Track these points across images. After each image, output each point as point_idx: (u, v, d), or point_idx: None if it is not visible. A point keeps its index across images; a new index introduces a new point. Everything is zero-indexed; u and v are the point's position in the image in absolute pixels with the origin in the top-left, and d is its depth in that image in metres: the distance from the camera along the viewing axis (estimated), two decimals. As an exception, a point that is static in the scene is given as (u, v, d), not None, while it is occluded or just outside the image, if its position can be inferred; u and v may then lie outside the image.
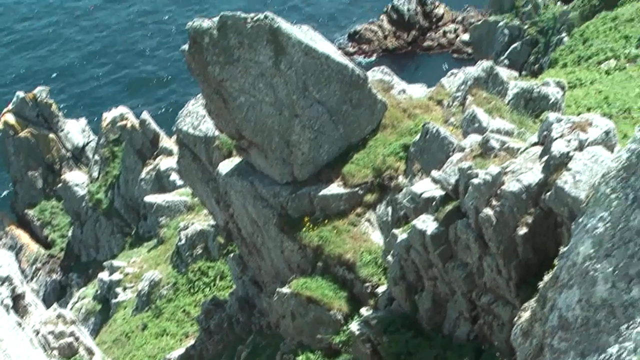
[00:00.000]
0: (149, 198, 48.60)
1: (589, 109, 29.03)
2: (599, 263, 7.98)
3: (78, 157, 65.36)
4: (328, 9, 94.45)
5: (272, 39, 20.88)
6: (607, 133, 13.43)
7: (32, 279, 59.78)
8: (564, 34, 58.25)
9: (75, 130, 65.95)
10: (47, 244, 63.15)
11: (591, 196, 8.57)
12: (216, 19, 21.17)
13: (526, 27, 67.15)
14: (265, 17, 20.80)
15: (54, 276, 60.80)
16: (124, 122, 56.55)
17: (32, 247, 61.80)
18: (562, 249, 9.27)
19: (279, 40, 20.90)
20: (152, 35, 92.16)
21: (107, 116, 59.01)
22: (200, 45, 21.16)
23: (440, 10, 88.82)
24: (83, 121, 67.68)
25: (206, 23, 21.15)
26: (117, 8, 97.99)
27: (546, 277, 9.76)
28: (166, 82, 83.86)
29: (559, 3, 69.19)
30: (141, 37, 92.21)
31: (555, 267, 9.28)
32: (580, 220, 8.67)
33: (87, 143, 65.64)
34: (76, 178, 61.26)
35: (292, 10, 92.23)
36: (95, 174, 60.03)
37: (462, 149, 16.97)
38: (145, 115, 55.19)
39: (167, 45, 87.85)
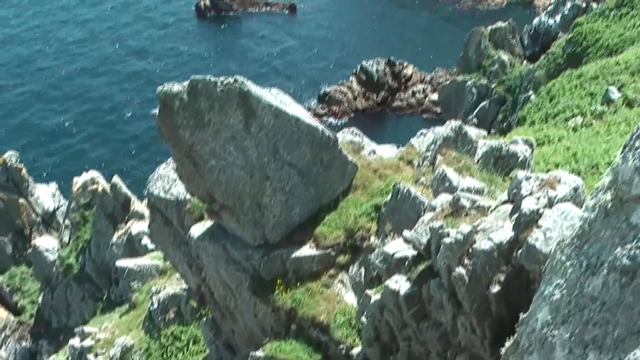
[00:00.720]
0: (121, 262, 48.18)
1: (557, 166, 29.32)
2: (556, 329, 8.08)
3: (48, 222, 64.86)
4: (298, 71, 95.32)
5: (242, 102, 20.99)
6: (575, 190, 13.59)
7: (1, 346, 58.76)
8: (530, 92, 59.17)
9: (45, 195, 65.59)
10: (16, 311, 62.22)
11: (548, 264, 8.69)
12: (186, 82, 21.26)
13: (494, 86, 68.22)
14: (235, 80, 20.93)
15: (24, 343, 59.80)
16: (94, 186, 56.33)
17: (1, 314, 60.82)
18: (522, 316, 9.36)
19: (249, 104, 21.02)
20: (130, 100, 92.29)
21: (78, 180, 58.77)
22: (171, 109, 21.21)
23: (409, 70, 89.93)
24: (53, 186, 67.36)
25: (176, 87, 21.23)
26: (95, 72, 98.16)
27: (507, 343, 9.82)
28: (142, 146, 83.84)
29: (525, 62, 70.47)
30: (118, 102, 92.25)
31: (516, 333, 9.36)
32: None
33: (58, 208, 65.24)
34: (46, 243, 60.68)
35: (265, 74, 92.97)
36: (65, 239, 59.52)
37: (433, 209, 17.04)
38: (116, 179, 55.06)
39: (143, 110, 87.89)
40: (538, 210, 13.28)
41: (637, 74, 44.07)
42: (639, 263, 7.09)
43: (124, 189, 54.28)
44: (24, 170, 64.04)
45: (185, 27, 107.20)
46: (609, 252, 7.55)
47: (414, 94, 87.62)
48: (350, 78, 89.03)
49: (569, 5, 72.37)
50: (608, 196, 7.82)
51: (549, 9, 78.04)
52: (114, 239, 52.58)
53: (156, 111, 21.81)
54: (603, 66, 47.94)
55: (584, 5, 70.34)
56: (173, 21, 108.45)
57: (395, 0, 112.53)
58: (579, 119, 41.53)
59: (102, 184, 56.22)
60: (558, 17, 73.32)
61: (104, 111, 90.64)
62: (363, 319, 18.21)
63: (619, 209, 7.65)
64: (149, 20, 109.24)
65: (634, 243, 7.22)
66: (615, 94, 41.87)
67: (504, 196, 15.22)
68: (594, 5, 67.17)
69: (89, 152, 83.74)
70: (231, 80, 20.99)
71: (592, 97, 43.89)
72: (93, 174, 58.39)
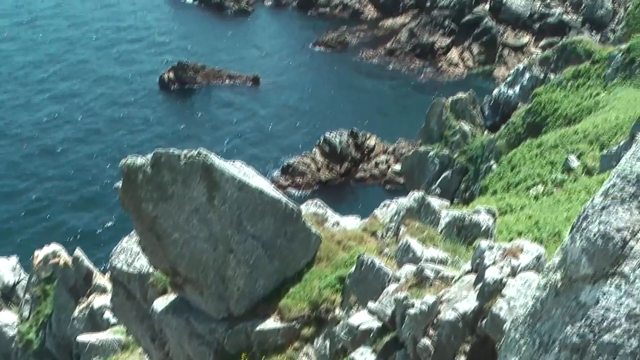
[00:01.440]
0: (82, 337, 47.33)
1: (520, 234, 29.57)
2: (512, 406, 8.16)
3: (8, 296, 63.74)
4: (261, 143, 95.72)
5: (205, 175, 20.99)
6: (538, 258, 13.73)
7: None
8: (492, 162, 59.87)
9: (5, 269, 64.59)
10: (-26, 390, 60.81)
11: (503, 341, 8.82)
12: (150, 155, 21.26)
13: (456, 155, 68.94)
14: (199, 153, 20.97)
15: (-18, 423, 58.32)
16: (56, 260, 55.58)
17: (-41, 393, 59.41)
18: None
19: (212, 176, 21.02)
20: (97, 172, 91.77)
21: (39, 254, 58.01)
22: (134, 182, 21.15)
23: (372, 141, 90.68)
24: (14, 259, 66.36)
25: (140, 160, 21.22)
26: (64, 146, 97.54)
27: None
28: (110, 218, 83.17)
29: (486, 132, 71.45)
30: (85, 175, 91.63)
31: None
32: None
33: (18, 282, 64.19)
34: (6, 318, 59.56)
35: (229, 146, 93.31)
36: (25, 314, 58.47)
37: (397, 280, 17.05)
38: (78, 252, 54.38)
39: (110, 182, 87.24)
40: (501, 279, 13.36)
41: (595, 142, 44.89)
42: (588, 341, 7.23)
43: (86, 262, 53.60)
44: (-16, 245, 63.34)
45: (150, 100, 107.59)
46: (560, 330, 7.70)
47: (377, 164, 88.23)
48: (314, 149, 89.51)
49: (527, 76, 73.84)
50: (558, 276, 8.02)
51: (508, 79, 79.57)
52: (76, 313, 51.73)
53: (119, 184, 21.75)
54: (562, 135, 48.79)
55: (542, 76, 71.83)
56: (138, 94, 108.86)
57: (356, 72, 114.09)
58: (540, 188, 42.06)
59: (64, 257, 55.47)
60: (517, 88, 74.72)
61: (71, 183, 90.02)
62: (329, 392, 18.05)
63: (568, 288, 7.84)
64: (116, 93, 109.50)
65: (582, 321, 7.39)
66: (574, 163, 42.55)
67: (468, 266, 15.30)
68: (552, 76, 68.62)
69: (55, 226, 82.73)
70: (194, 153, 21.02)
71: (553, 166, 44.55)
72: (55, 247, 57.63)
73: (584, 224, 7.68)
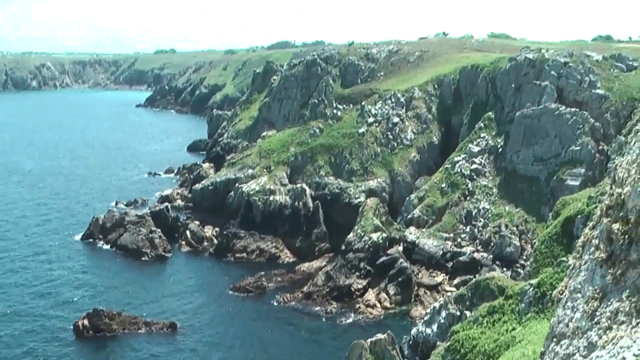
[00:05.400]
0: None
1: None
2: None
3: None
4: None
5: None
6: None
7: None
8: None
9: None
10: None
11: None
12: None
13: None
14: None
15: None
16: None
17: None
18: None
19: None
20: None
21: None
22: None
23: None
24: None
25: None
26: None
27: None
28: None
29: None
30: None
31: None
32: None
33: None
34: None
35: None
36: None
37: None
38: None
39: None
40: None
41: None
42: None
43: None
44: None
45: (63, 349, 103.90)
46: None
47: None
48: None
49: (444, 314, 74.77)
50: None
51: (425, 318, 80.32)
52: None
53: None
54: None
55: (458, 313, 72.82)
56: (50, 343, 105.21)
57: (274, 316, 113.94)
58: None
59: None
60: (435, 326, 75.38)
61: None
62: None
63: None
64: (25, 342, 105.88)
65: None
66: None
67: None
68: (468, 313, 69.66)
69: None
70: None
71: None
72: None
73: None
